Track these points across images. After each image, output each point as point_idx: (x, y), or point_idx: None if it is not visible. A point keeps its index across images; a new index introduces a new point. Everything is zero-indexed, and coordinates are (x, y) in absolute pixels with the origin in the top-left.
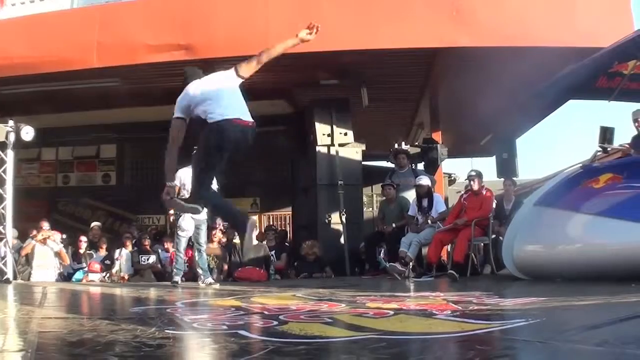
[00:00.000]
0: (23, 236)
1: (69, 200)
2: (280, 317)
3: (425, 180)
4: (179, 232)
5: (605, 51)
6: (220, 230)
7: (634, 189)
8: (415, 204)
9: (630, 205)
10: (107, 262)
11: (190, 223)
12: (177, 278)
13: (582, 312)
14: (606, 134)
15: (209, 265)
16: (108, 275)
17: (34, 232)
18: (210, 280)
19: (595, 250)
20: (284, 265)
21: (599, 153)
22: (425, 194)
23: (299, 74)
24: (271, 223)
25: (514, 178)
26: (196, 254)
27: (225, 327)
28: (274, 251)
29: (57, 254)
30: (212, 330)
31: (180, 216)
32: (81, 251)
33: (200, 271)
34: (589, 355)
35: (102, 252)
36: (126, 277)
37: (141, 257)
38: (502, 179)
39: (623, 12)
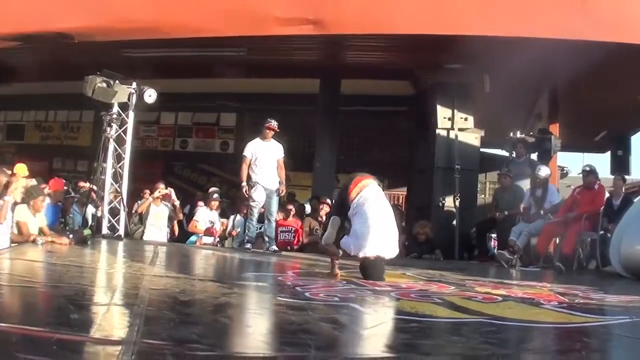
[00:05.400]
0: (135, 196)
1: (185, 164)
2: (391, 294)
3: (544, 171)
4: (252, 203)
5: None
6: (327, 204)
7: None
8: (529, 193)
9: None
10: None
11: (261, 193)
12: (249, 245)
13: None
14: None
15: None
16: (219, 239)
17: (147, 192)
18: (274, 247)
19: None
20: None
21: None
22: (541, 183)
23: (423, 56)
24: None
25: (627, 176)
26: (266, 222)
27: (337, 299)
28: None
29: (173, 210)
30: (324, 301)
31: (254, 187)
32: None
33: (266, 238)
34: None
35: (216, 215)
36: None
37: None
38: (614, 176)
39: None
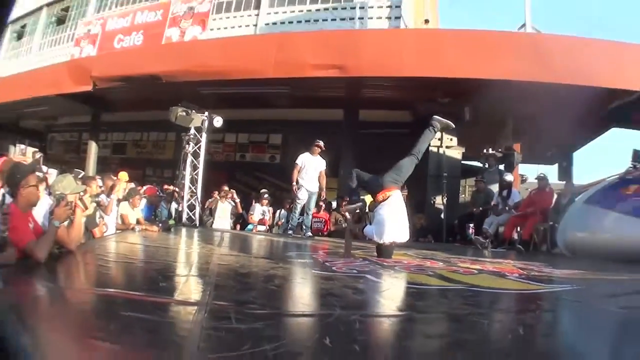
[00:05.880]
0: (207, 196)
1: (243, 172)
2: (396, 268)
3: (510, 177)
4: (297, 200)
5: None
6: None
7: None
8: (498, 194)
9: None
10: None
11: (304, 193)
12: (290, 232)
13: (611, 284)
14: (638, 155)
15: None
16: (268, 228)
17: (216, 193)
18: (309, 234)
19: (622, 239)
20: None
21: (630, 169)
22: (506, 187)
23: (421, 93)
24: None
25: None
26: (304, 215)
27: (355, 271)
28: None
29: (235, 207)
30: (346, 273)
31: (299, 189)
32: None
33: (304, 227)
34: (613, 314)
35: (266, 209)
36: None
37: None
38: (563, 182)
39: None
